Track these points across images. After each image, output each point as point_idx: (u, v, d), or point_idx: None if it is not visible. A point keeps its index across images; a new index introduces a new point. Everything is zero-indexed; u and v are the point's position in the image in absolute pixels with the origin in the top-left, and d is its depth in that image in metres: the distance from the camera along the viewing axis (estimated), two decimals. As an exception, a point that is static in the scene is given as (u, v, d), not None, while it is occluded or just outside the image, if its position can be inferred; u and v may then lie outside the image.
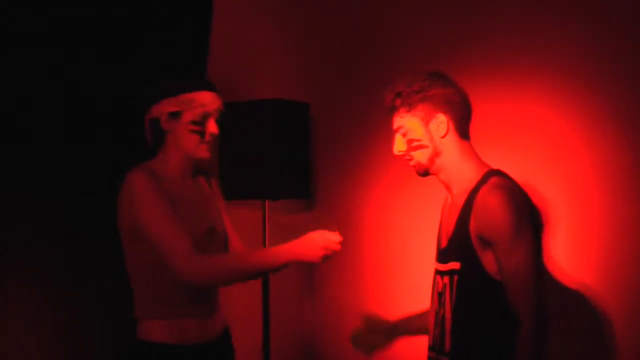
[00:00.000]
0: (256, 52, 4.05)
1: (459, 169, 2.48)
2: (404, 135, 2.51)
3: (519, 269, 2.29)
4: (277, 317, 3.81)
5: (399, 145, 2.54)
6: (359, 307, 3.70)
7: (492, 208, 2.31)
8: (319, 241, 2.53)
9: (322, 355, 3.99)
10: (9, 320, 3.16)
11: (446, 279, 2.45)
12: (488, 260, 2.35)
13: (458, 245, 2.41)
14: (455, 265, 2.41)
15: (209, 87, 2.70)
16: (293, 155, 3.73)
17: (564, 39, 3.02)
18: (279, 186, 3.68)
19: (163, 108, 2.66)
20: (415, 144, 2.49)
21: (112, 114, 3.42)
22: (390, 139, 3.49)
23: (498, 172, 2.44)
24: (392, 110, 2.52)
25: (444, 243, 2.51)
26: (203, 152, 2.69)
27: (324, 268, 3.92)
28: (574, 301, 2.97)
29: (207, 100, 2.66)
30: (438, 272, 2.52)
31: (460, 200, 2.44)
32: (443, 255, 2.50)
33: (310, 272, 3.98)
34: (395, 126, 2.53)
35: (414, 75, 2.50)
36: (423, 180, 3.30)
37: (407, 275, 3.55)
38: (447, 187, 2.54)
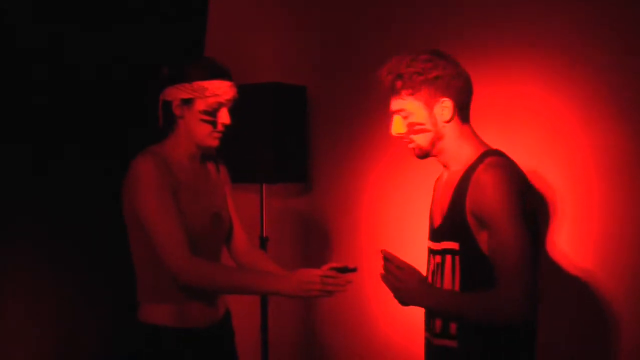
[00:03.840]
0: (254, 35, 4.05)
1: (458, 150, 2.41)
2: (404, 117, 2.42)
3: (509, 248, 2.20)
4: (274, 300, 3.82)
5: (397, 127, 2.45)
6: (355, 290, 3.72)
7: (486, 185, 2.25)
8: (307, 281, 2.48)
9: (318, 337, 4.00)
10: (9, 304, 3.16)
11: (438, 258, 2.41)
12: (484, 241, 2.29)
13: (453, 225, 2.35)
14: (451, 244, 2.36)
15: (224, 75, 2.63)
16: (290, 139, 3.73)
17: (560, 19, 3.01)
18: (276, 170, 3.68)
19: (176, 93, 2.61)
20: (417, 127, 2.41)
21: (110, 97, 3.41)
22: (388, 121, 3.53)
23: (496, 152, 2.39)
24: (392, 91, 2.42)
25: (438, 222, 2.45)
26: (213, 141, 2.65)
27: (320, 252, 3.93)
28: (573, 284, 2.98)
29: (220, 91, 2.60)
30: (431, 250, 2.47)
31: (456, 179, 2.39)
32: (437, 234, 2.44)
33: (306, 257, 3.99)
34: (394, 108, 2.44)
35: (414, 54, 2.40)
36: (420, 163, 3.30)
37: (404, 258, 3.56)
38: (445, 166, 2.50)
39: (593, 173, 2.93)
